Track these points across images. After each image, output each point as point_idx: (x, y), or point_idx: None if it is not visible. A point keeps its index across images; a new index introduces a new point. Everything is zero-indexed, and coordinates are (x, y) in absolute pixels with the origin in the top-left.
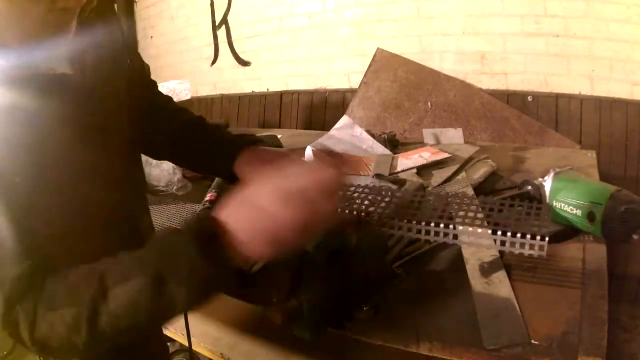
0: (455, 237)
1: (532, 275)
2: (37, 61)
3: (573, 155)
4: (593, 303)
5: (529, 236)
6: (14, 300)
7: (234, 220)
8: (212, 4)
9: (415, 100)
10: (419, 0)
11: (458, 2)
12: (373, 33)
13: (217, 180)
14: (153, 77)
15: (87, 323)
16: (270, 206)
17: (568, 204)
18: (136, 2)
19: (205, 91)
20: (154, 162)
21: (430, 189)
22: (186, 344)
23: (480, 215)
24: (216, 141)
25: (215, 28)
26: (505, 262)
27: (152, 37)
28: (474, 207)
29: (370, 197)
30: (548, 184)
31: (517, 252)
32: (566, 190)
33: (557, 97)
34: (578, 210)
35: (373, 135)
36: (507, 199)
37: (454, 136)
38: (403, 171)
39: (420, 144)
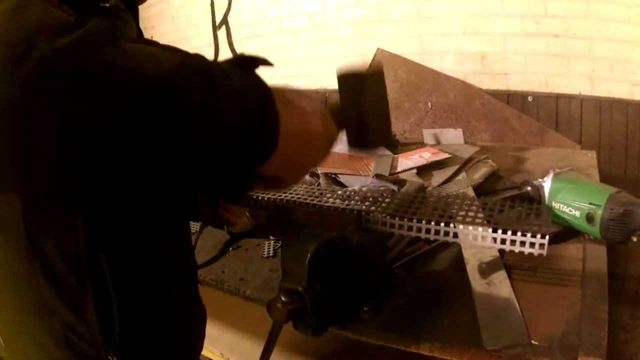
0: (456, 235)
1: (532, 275)
2: None
3: (573, 155)
4: (593, 303)
5: (529, 234)
6: None
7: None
8: (212, 4)
9: (415, 100)
10: (419, 0)
11: (458, 2)
12: (373, 33)
13: None
14: None
15: None
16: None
17: (567, 205)
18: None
19: None
20: None
21: (430, 189)
22: None
23: (480, 215)
24: None
25: (215, 28)
26: (505, 262)
27: (152, 37)
28: (474, 207)
29: (370, 197)
30: (547, 184)
31: (517, 250)
32: (565, 191)
33: (557, 97)
34: (576, 211)
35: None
36: (507, 200)
37: (454, 136)
38: (403, 171)
39: (420, 144)
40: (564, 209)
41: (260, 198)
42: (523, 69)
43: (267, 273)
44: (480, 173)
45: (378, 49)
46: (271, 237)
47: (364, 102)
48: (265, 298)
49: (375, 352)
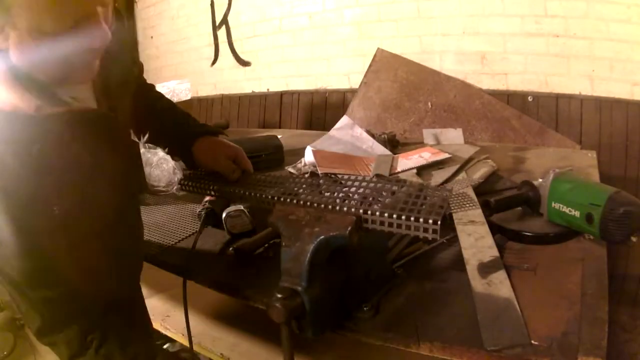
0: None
1: (532, 275)
2: (67, 98)
3: (573, 155)
4: (593, 303)
5: (421, 219)
6: None
7: None
8: (212, 4)
9: (415, 100)
10: (419, 0)
11: (458, 2)
12: (373, 33)
13: None
14: (153, 77)
15: None
16: None
17: (566, 205)
18: (136, 2)
19: (205, 91)
20: (154, 162)
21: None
22: (186, 343)
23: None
24: (179, 126)
25: (215, 28)
26: (505, 262)
27: (152, 37)
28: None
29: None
30: (547, 184)
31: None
32: (565, 191)
33: (557, 97)
34: (576, 212)
35: (373, 135)
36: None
37: (454, 136)
38: (403, 171)
39: (420, 144)
40: (563, 209)
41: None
42: (523, 69)
43: (268, 273)
44: (480, 173)
45: (378, 49)
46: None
47: None
48: (265, 298)
49: (376, 352)
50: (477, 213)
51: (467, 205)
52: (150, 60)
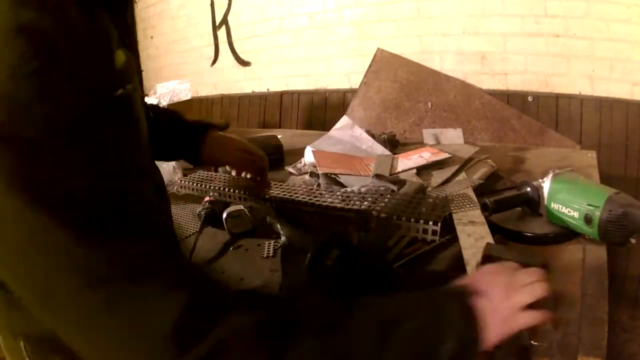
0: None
1: None
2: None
3: (573, 155)
4: (593, 303)
5: (421, 221)
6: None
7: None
8: (212, 4)
9: (415, 100)
10: (419, 0)
11: (458, 2)
12: (373, 33)
13: None
14: (153, 77)
15: None
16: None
17: (565, 206)
18: (136, 2)
19: (205, 91)
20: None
21: (430, 189)
22: None
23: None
24: (181, 128)
25: (215, 28)
26: None
27: (152, 37)
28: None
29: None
30: (546, 185)
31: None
32: (564, 191)
33: (557, 97)
34: (575, 212)
35: (373, 135)
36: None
37: (453, 136)
38: (403, 171)
39: (420, 144)
40: (562, 210)
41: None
42: (523, 69)
43: (268, 273)
44: (480, 173)
45: (378, 49)
46: (272, 237)
47: None
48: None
49: None
50: (477, 213)
51: (467, 205)
52: (150, 60)
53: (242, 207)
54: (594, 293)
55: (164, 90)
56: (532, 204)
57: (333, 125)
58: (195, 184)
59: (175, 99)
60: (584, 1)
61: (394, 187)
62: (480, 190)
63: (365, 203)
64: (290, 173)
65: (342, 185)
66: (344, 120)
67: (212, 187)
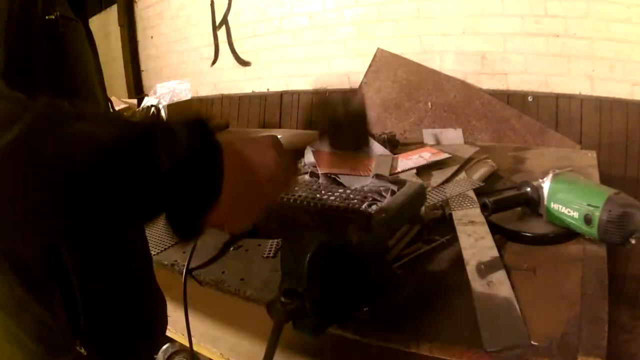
0: None
1: (532, 275)
2: None
3: (573, 155)
4: (593, 303)
5: None
6: None
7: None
8: (212, 4)
9: (415, 100)
10: (419, 0)
11: (458, 2)
12: (373, 33)
13: None
14: (153, 77)
15: None
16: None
17: (565, 206)
18: (136, 2)
19: (205, 91)
20: None
21: (430, 189)
22: (186, 343)
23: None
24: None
25: (215, 28)
26: (505, 263)
27: (152, 37)
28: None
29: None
30: (546, 185)
31: None
32: (564, 191)
33: (557, 97)
34: (575, 213)
35: (373, 135)
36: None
37: (453, 136)
38: (403, 171)
39: (420, 144)
40: (562, 210)
41: None
42: (523, 69)
43: (268, 273)
44: (480, 173)
45: (378, 49)
46: (272, 237)
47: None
48: (265, 298)
49: (375, 352)
50: (477, 213)
51: (467, 205)
52: (150, 60)
53: None
54: (594, 293)
55: (164, 90)
56: (532, 204)
57: None
58: None
59: (175, 99)
60: (584, 1)
61: (394, 187)
62: (480, 190)
63: (366, 203)
64: None
65: (342, 185)
66: None
67: None
